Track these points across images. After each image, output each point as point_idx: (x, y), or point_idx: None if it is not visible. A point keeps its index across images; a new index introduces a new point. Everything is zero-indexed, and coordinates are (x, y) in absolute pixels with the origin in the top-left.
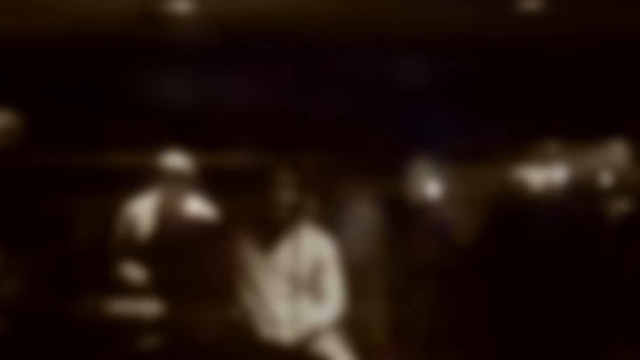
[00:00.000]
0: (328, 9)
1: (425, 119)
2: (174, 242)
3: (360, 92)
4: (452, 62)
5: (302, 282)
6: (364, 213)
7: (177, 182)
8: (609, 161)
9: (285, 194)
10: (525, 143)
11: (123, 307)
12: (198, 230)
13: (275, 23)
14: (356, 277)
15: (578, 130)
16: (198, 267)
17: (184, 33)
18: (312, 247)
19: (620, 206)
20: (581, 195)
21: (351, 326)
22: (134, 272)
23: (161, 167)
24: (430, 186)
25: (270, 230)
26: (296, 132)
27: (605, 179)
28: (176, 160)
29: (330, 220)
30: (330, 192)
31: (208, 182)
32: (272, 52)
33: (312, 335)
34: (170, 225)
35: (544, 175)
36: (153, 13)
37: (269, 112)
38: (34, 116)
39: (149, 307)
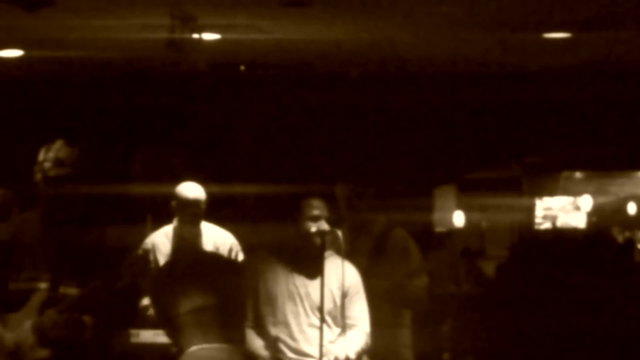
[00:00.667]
0: (356, 40)
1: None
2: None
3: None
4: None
5: (329, 313)
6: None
7: (193, 211)
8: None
9: (315, 224)
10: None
11: (149, 336)
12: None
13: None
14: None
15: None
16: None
17: (209, 62)
18: (338, 277)
19: None
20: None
21: (379, 355)
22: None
23: (178, 197)
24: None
25: (298, 260)
26: (324, 163)
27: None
28: (193, 189)
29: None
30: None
31: (235, 210)
32: (298, 81)
33: None
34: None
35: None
36: (180, 42)
37: (297, 142)
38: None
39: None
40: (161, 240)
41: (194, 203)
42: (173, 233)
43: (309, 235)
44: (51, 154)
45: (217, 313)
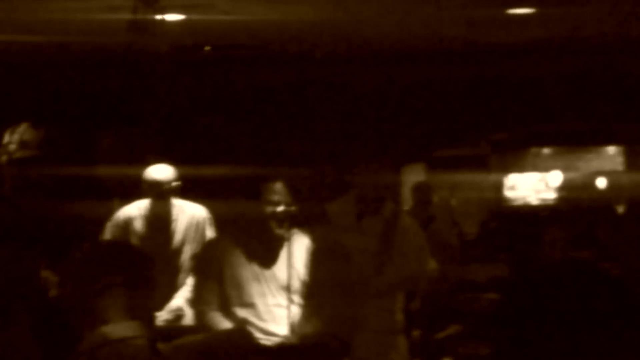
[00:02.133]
0: (320, 20)
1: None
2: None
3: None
4: (441, 69)
5: (296, 291)
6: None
7: (160, 191)
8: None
9: (275, 207)
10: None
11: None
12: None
13: (265, 33)
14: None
15: (573, 136)
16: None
17: (173, 43)
18: (302, 255)
19: None
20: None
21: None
22: None
23: (145, 178)
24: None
25: (261, 242)
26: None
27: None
28: (159, 170)
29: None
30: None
31: (201, 192)
32: (263, 62)
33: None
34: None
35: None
36: (143, 23)
37: (262, 123)
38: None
39: None
40: (133, 214)
41: (160, 183)
42: (146, 209)
43: (269, 218)
44: (16, 137)
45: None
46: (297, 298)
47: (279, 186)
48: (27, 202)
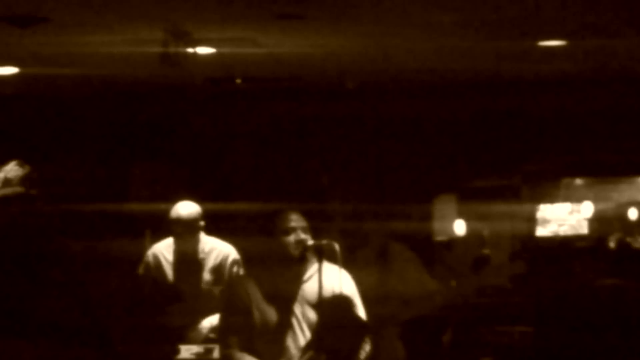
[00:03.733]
0: (352, 52)
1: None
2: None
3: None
4: (473, 101)
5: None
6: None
7: (185, 229)
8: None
9: (291, 236)
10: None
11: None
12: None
13: (295, 65)
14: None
15: (605, 167)
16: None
17: (204, 76)
18: (334, 290)
19: None
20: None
21: None
22: None
23: (170, 216)
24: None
25: (286, 278)
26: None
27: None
28: (184, 208)
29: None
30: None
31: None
32: (294, 94)
33: None
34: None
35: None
36: (174, 56)
37: (295, 155)
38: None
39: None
40: (161, 252)
41: (182, 221)
42: (174, 247)
43: (285, 247)
44: (1, 175)
45: None
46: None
47: (292, 214)
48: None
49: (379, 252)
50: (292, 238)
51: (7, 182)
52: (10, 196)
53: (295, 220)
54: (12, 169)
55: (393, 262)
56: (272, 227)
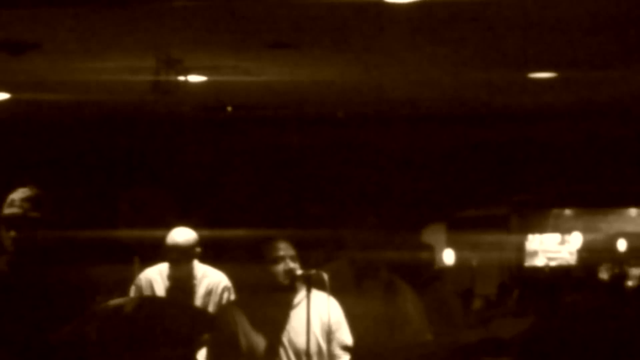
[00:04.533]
0: (342, 81)
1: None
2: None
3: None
4: (462, 132)
5: (314, 354)
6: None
7: (180, 255)
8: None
9: (279, 265)
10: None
11: None
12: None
13: (286, 94)
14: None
15: (594, 198)
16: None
17: (195, 104)
18: (320, 317)
19: None
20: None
21: None
22: None
23: (166, 242)
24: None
25: (274, 304)
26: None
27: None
28: (179, 234)
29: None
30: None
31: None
32: (284, 122)
33: None
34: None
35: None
36: (166, 84)
37: (285, 183)
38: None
39: None
40: (155, 277)
41: (180, 248)
42: (167, 272)
43: (275, 275)
44: (17, 197)
45: None
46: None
47: (280, 243)
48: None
49: (386, 286)
50: (280, 267)
51: (10, 203)
52: (10, 217)
53: (284, 249)
54: (26, 192)
55: (397, 299)
56: (261, 255)
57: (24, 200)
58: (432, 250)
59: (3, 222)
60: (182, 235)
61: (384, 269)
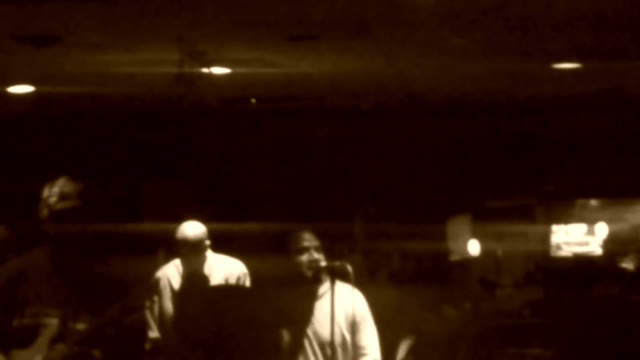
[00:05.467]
0: (367, 73)
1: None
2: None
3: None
4: (487, 122)
5: (338, 346)
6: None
7: (191, 249)
8: None
9: (304, 256)
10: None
11: None
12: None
13: (310, 86)
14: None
15: (619, 188)
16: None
17: (218, 96)
18: (344, 308)
19: None
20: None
21: None
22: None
23: (176, 236)
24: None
25: (299, 296)
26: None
27: None
28: (189, 229)
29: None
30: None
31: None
32: (308, 114)
33: None
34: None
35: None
36: (190, 76)
37: (309, 175)
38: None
39: None
40: (172, 272)
41: (190, 242)
42: (181, 266)
43: (300, 266)
44: (56, 189)
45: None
46: (340, 353)
47: (305, 234)
48: (71, 254)
49: (400, 273)
50: (305, 258)
51: (64, 196)
52: (70, 209)
53: (308, 239)
54: (65, 184)
55: (409, 286)
56: (286, 247)
57: (79, 192)
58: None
59: (58, 216)
60: (190, 229)
61: (396, 259)
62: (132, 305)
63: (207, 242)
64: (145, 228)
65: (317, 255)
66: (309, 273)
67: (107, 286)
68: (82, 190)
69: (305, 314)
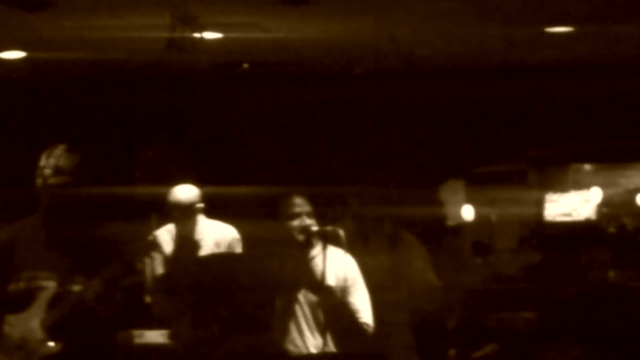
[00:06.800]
0: (359, 37)
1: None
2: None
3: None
4: (480, 87)
5: (328, 306)
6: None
7: (184, 212)
8: None
9: (295, 221)
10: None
11: (155, 337)
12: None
13: (302, 50)
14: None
15: (613, 153)
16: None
17: (211, 61)
18: (335, 272)
19: None
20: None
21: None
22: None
23: (169, 199)
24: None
25: (290, 259)
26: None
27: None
28: (182, 192)
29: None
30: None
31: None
32: (300, 79)
33: None
34: (191, 254)
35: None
36: (181, 41)
37: (301, 140)
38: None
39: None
40: (164, 238)
41: (182, 205)
42: (174, 231)
43: (291, 231)
44: (52, 161)
45: None
46: (326, 316)
47: (297, 199)
48: (64, 219)
49: (390, 239)
50: (296, 223)
51: (58, 170)
52: (63, 185)
53: (300, 205)
54: (62, 156)
55: (403, 251)
56: (277, 211)
57: (74, 167)
58: (443, 206)
59: (51, 189)
60: (183, 192)
61: (388, 224)
62: (129, 264)
63: (200, 205)
64: (138, 193)
65: (308, 221)
66: (301, 238)
67: (101, 250)
68: (77, 164)
69: (296, 278)
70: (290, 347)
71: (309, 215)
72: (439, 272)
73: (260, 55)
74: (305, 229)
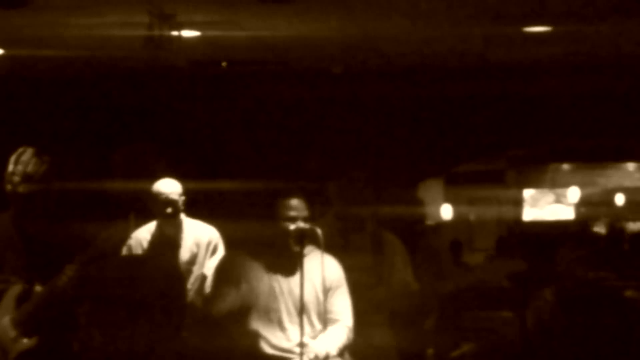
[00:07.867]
0: (338, 36)
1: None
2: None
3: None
4: (458, 86)
5: (312, 309)
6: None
7: (168, 207)
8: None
9: (291, 224)
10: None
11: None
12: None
13: (281, 49)
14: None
15: (592, 153)
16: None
17: (189, 59)
18: (319, 272)
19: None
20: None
21: (361, 350)
22: None
23: (153, 193)
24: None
25: (278, 258)
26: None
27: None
28: (167, 185)
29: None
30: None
31: (215, 207)
32: (279, 78)
33: None
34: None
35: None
36: (159, 39)
37: (279, 139)
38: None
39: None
40: (144, 236)
41: (168, 199)
42: (155, 229)
43: (286, 235)
44: (20, 167)
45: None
46: (313, 316)
47: (295, 202)
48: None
49: (372, 238)
50: (291, 227)
51: (27, 177)
52: (32, 193)
53: (298, 209)
54: (30, 162)
55: (384, 251)
56: (273, 211)
57: (43, 174)
58: (423, 205)
59: (20, 197)
60: (165, 186)
61: (370, 222)
62: (97, 255)
63: (183, 199)
64: (115, 192)
65: (304, 225)
66: (294, 242)
67: (72, 249)
68: (46, 171)
69: (278, 276)
70: (273, 341)
71: (305, 220)
72: (417, 273)
73: (238, 53)
74: (299, 233)
